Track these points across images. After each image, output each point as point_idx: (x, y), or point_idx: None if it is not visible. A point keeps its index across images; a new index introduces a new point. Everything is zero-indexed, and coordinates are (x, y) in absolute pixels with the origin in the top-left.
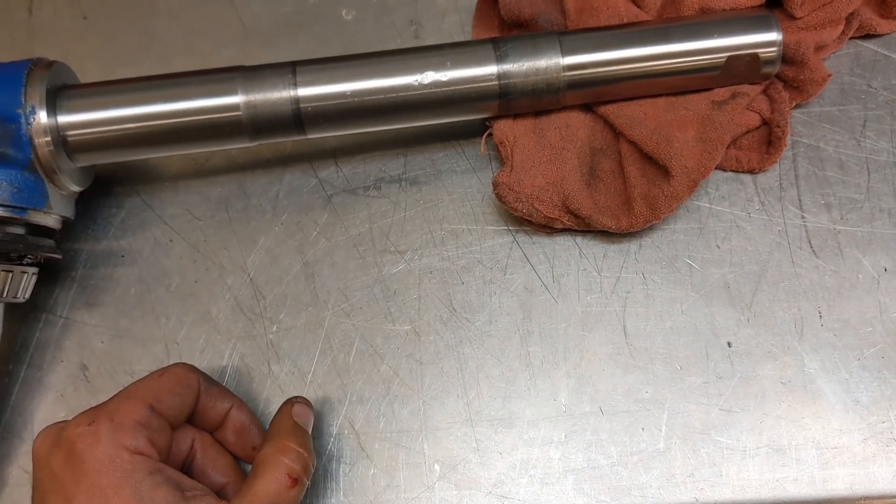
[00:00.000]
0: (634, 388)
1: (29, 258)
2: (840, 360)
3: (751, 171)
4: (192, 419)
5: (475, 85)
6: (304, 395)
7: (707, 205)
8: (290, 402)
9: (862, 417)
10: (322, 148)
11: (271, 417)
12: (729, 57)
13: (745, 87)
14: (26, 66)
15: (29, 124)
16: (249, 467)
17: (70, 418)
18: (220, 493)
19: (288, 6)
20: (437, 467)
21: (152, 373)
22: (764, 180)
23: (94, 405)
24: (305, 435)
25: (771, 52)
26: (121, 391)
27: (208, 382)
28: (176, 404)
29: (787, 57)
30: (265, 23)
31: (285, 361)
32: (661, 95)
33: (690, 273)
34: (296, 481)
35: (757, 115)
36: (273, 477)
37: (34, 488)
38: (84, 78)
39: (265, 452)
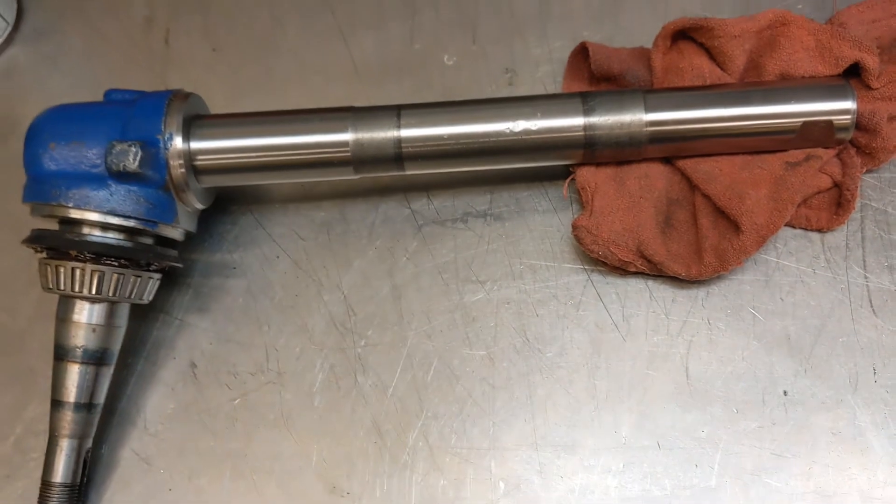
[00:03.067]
0: (692, 426)
1: (155, 265)
2: (890, 416)
3: (819, 230)
4: None
5: (563, 135)
6: (385, 408)
7: (774, 259)
8: None
9: None
10: (416, 182)
11: (348, 427)
12: (805, 122)
13: (819, 151)
14: (167, 97)
15: (166, 149)
16: None
17: (177, 409)
18: None
19: (395, 49)
20: (501, 485)
21: None
22: (831, 239)
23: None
24: None
25: (845, 119)
26: None
27: None
28: None
29: (861, 125)
30: (374, 63)
31: (370, 374)
32: (737, 154)
33: (754, 322)
34: None
35: (828, 178)
36: None
37: None
38: (211, 104)
39: None
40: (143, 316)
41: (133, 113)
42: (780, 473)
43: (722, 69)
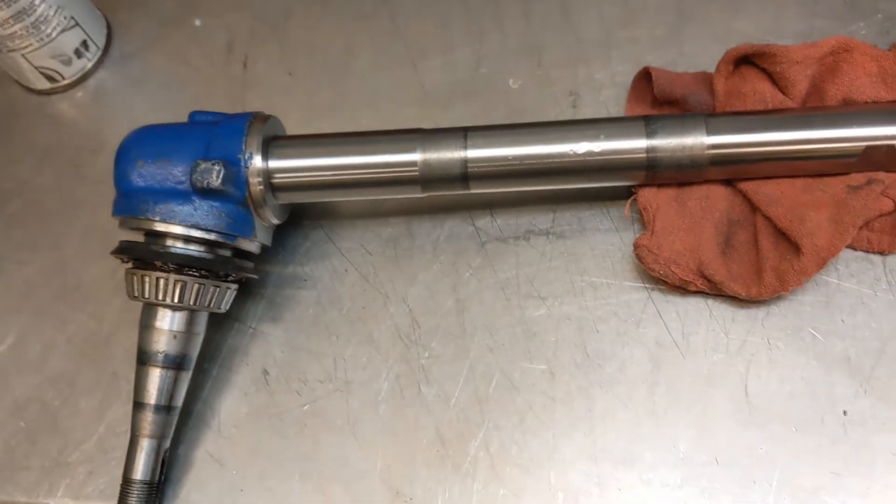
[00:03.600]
0: (750, 443)
1: (232, 276)
2: None
3: (881, 253)
4: None
5: (625, 156)
6: (447, 417)
7: (835, 280)
8: None
9: None
10: (480, 200)
11: (412, 434)
12: (867, 146)
13: (881, 175)
14: (248, 119)
15: (247, 167)
16: None
17: (249, 413)
18: None
19: (462, 74)
20: (560, 496)
21: None
22: (893, 262)
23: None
24: None
25: None
26: None
27: None
28: None
29: None
30: (442, 87)
31: (433, 385)
32: (798, 177)
33: (813, 343)
34: None
35: (891, 201)
36: None
37: None
38: (286, 126)
39: None
40: (219, 324)
41: (216, 133)
42: (839, 492)
43: (784, 94)
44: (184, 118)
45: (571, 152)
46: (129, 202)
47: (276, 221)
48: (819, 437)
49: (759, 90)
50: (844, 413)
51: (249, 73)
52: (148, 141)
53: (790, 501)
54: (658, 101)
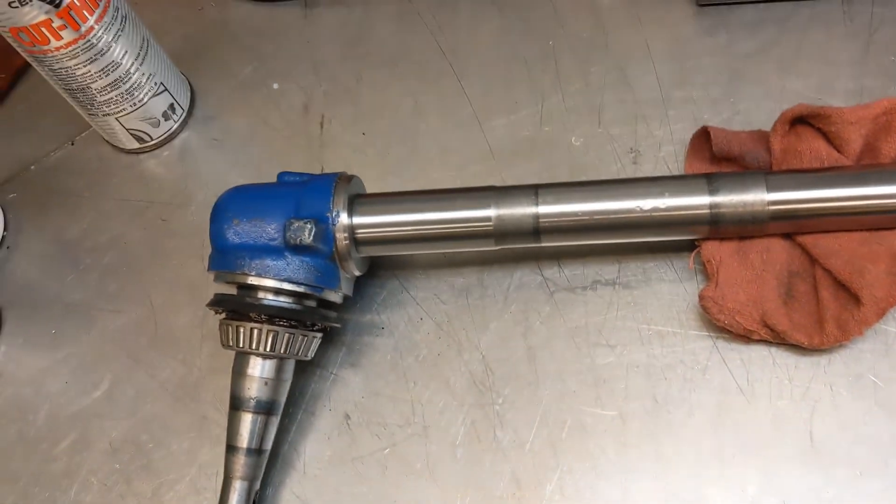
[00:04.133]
0: (816, 487)
1: (318, 326)
2: None
3: None
4: None
5: (689, 212)
6: (522, 462)
7: (894, 329)
8: None
9: None
10: (548, 251)
11: (489, 478)
12: None
13: None
14: (334, 179)
15: (334, 224)
16: None
17: (332, 456)
18: None
19: (526, 131)
20: None
21: None
22: None
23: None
24: None
25: None
26: None
27: None
28: None
29: None
30: (506, 144)
31: (508, 430)
32: (856, 230)
33: (875, 389)
34: None
35: None
36: None
37: None
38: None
39: None
40: (303, 370)
41: (305, 193)
42: None
43: (839, 152)
44: (264, 176)
45: (638, 209)
46: (225, 258)
47: (357, 273)
48: (884, 480)
49: (814, 149)
50: None
51: (326, 134)
52: (242, 200)
53: None
54: (716, 159)
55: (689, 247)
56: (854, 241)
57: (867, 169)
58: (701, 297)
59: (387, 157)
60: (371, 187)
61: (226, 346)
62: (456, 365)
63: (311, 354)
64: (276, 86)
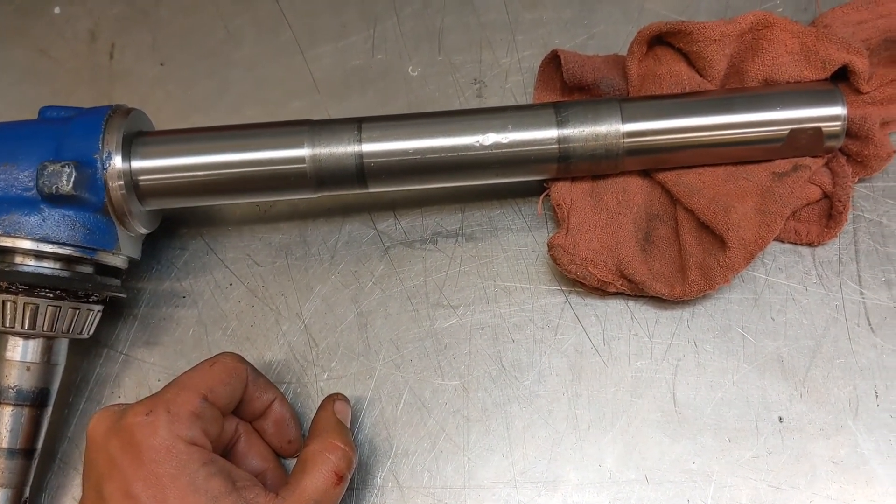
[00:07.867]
0: (682, 457)
1: (95, 296)
2: None
3: (810, 244)
4: (236, 408)
5: (535, 148)
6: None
7: (763, 276)
8: (332, 399)
9: None
10: (382, 200)
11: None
12: (792, 129)
13: (808, 160)
14: (106, 113)
15: (104, 169)
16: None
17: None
18: (259, 477)
19: (357, 60)
20: None
21: (203, 362)
22: (823, 254)
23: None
24: (347, 432)
25: (835, 126)
26: (174, 381)
27: (255, 373)
28: (227, 394)
29: (852, 131)
30: (334, 76)
31: None
32: (721, 164)
33: (743, 344)
34: (341, 478)
35: (818, 189)
36: (320, 474)
37: (87, 468)
38: (160, 122)
39: (312, 449)
40: (84, 351)
41: (68, 131)
42: None
43: (701, 75)
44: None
45: (477, 144)
46: None
47: (144, 231)
48: (755, 447)
49: (675, 72)
50: (780, 419)
51: (116, 65)
52: None
53: None
54: (568, 87)
55: (539, 190)
56: (719, 176)
57: (733, 93)
58: (550, 246)
59: (190, 91)
60: (170, 127)
61: None
62: (273, 337)
63: (87, 332)
64: (57, 10)
